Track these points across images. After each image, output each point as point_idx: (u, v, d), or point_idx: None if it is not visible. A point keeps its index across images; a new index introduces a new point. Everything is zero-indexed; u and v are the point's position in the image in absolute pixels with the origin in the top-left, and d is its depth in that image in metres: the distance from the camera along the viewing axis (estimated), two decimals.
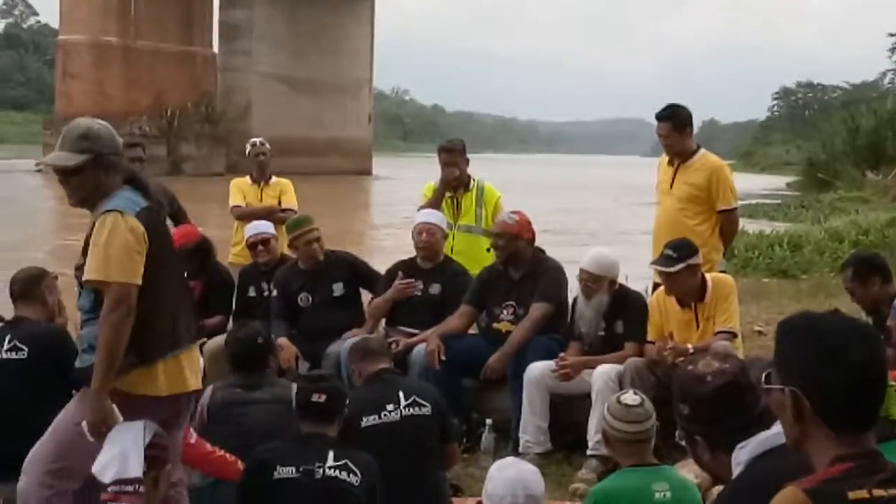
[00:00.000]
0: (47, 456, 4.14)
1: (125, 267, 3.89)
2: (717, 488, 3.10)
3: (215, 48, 55.77)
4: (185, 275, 7.55)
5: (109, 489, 3.75)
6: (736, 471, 2.79)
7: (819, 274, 14.86)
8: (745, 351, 6.81)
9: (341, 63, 59.27)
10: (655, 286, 6.90)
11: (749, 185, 42.94)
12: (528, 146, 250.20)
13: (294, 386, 4.74)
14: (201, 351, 5.33)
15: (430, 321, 6.87)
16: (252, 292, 7.57)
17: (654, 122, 7.17)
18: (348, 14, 59.78)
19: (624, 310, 6.51)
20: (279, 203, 8.71)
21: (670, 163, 7.17)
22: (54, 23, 61.87)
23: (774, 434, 2.67)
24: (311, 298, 7.23)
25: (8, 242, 19.76)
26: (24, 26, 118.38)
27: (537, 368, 6.36)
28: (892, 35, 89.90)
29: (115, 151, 4.10)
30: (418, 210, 7.53)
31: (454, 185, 7.60)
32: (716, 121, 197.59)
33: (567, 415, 6.47)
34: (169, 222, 5.13)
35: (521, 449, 6.25)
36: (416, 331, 6.90)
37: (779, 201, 36.67)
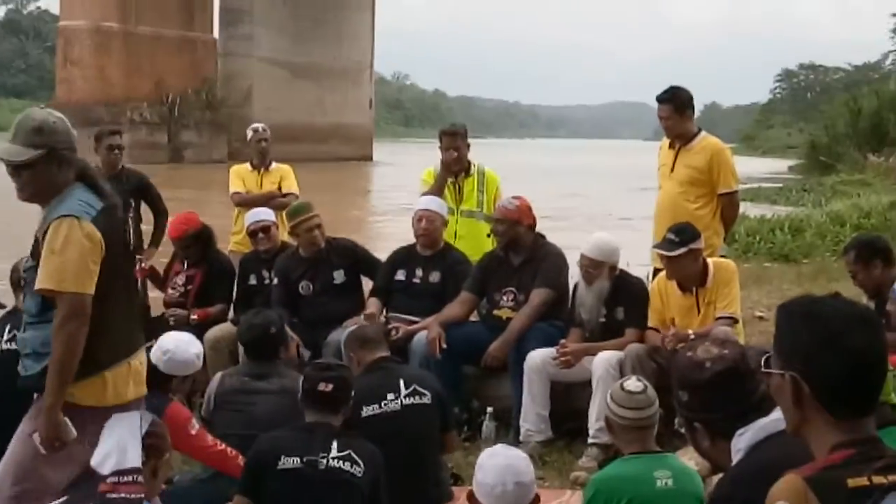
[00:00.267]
0: (7, 480, 3.97)
1: (80, 277, 3.75)
2: (718, 476, 3.08)
3: (216, 33, 55.70)
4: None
5: (108, 480, 3.73)
6: (736, 457, 2.78)
7: (821, 258, 14.83)
8: (746, 336, 6.81)
9: (342, 48, 59.20)
10: (656, 271, 6.89)
11: (751, 168, 42.86)
12: (530, 130, 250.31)
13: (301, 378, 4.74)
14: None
15: (429, 309, 6.85)
16: (253, 280, 7.55)
17: (656, 106, 7.16)
18: None
19: (625, 296, 6.49)
20: (279, 189, 8.70)
21: (671, 146, 7.17)
22: (55, 9, 61.78)
23: (774, 420, 2.66)
24: (311, 286, 7.22)
25: (9, 232, 19.71)
26: (25, 12, 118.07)
27: (538, 356, 6.35)
28: (894, 16, 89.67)
29: (70, 146, 3.93)
30: (420, 196, 7.51)
31: (456, 170, 7.59)
32: (717, 104, 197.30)
33: (568, 402, 6.46)
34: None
35: (521, 437, 6.25)
36: (416, 318, 6.88)
37: (780, 185, 36.57)
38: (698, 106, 7.31)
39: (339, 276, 7.24)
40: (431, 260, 7.11)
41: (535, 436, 6.27)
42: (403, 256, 7.23)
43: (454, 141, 7.57)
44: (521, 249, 6.78)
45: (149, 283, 7.82)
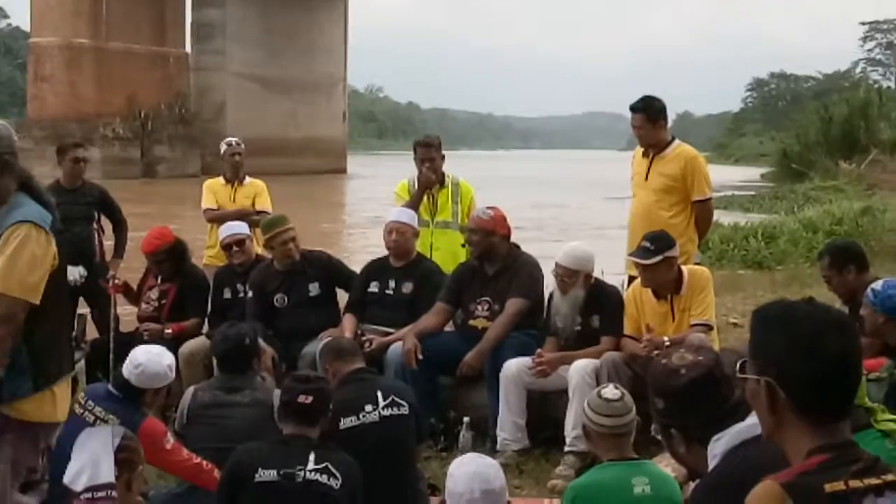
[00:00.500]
0: None
1: (25, 282, 3.63)
2: (695, 482, 3.08)
3: (188, 48, 55.55)
4: (159, 280, 7.55)
5: (82, 496, 3.69)
6: (712, 463, 2.78)
7: (794, 265, 14.90)
8: (721, 343, 6.82)
9: (315, 61, 59.16)
10: (631, 279, 6.90)
11: (723, 176, 43.01)
12: (504, 142, 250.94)
13: (276, 391, 4.71)
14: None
15: (403, 319, 6.85)
16: (227, 294, 7.51)
17: (629, 116, 7.18)
18: (321, 12, 59.65)
19: (600, 304, 6.50)
20: (253, 205, 8.68)
21: (645, 154, 7.19)
22: (26, 25, 61.43)
23: (750, 425, 2.66)
24: (286, 299, 7.20)
25: None
26: None
27: (514, 365, 6.34)
28: (863, 24, 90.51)
29: (12, 152, 3.83)
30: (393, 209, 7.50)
31: (430, 184, 7.61)
32: (690, 113, 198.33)
33: (544, 411, 6.46)
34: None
35: (498, 447, 6.24)
36: (390, 329, 6.87)
37: (753, 193, 36.80)
38: (671, 115, 7.34)
39: (314, 289, 7.22)
40: (404, 271, 7.10)
41: (512, 445, 6.26)
42: (376, 268, 7.22)
43: (429, 152, 7.61)
44: (496, 259, 6.77)
45: (118, 297, 7.76)
